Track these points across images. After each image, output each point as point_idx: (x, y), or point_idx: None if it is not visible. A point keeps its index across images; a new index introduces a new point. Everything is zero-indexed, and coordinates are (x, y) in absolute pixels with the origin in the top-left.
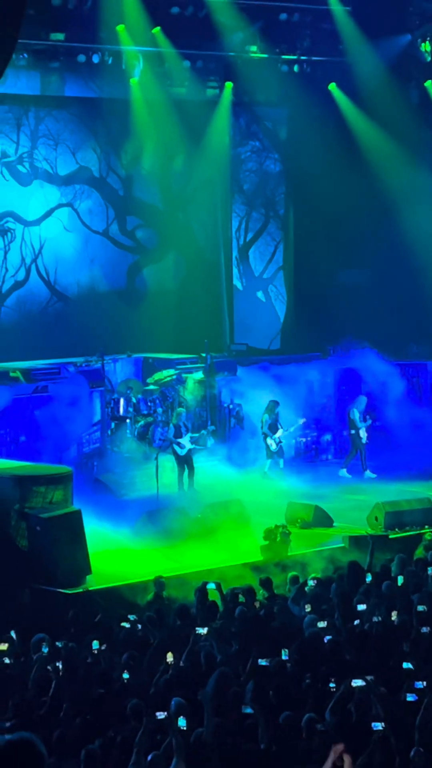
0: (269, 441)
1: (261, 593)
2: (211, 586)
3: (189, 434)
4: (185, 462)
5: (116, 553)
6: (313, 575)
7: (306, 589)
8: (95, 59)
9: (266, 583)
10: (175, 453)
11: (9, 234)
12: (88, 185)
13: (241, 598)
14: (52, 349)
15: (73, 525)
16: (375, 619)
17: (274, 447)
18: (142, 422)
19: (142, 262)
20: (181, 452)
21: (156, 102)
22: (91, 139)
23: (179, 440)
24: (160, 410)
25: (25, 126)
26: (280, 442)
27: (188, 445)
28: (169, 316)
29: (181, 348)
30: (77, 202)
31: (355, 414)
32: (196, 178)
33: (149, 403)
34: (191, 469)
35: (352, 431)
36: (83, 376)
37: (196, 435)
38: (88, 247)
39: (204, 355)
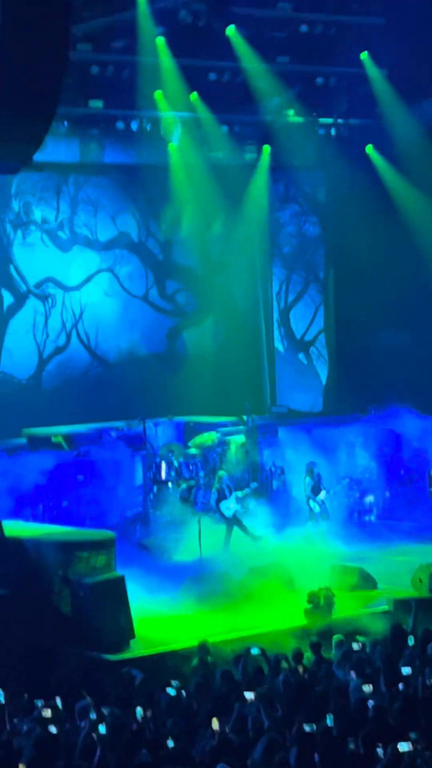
0: (312, 503)
1: (306, 657)
2: (254, 651)
3: (234, 495)
4: (234, 523)
5: (160, 618)
6: (358, 639)
7: (351, 653)
8: (134, 126)
9: (312, 647)
10: (223, 516)
11: (50, 299)
12: (127, 250)
13: (284, 664)
14: (94, 414)
15: (117, 590)
16: (420, 682)
17: (317, 509)
18: (184, 486)
19: (182, 325)
20: (228, 514)
21: (194, 167)
22: (130, 204)
23: (224, 502)
24: (202, 473)
25: (65, 192)
26: (323, 504)
27: (234, 506)
28: (209, 379)
29: (222, 411)
30: (117, 267)
31: None
32: (235, 242)
33: (191, 467)
34: (242, 528)
35: (431, 489)
36: (125, 440)
37: (242, 493)
38: (128, 311)
39: (245, 417)
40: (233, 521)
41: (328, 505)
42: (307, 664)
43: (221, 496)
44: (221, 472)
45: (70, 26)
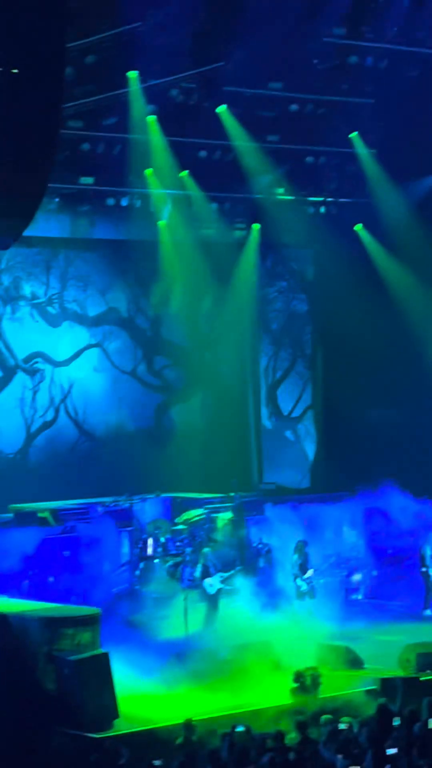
0: (299, 581)
1: (291, 737)
2: (240, 729)
3: (219, 574)
4: (213, 601)
5: (145, 696)
6: (344, 719)
7: (337, 732)
8: (124, 202)
9: (298, 727)
10: (205, 592)
11: (38, 374)
12: (117, 326)
13: (270, 743)
14: (81, 490)
15: (101, 668)
16: (406, 763)
17: (304, 587)
18: (170, 562)
19: (170, 401)
20: (211, 591)
21: (184, 243)
22: (120, 280)
23: (207, 579)
24: (188, 550)
25: (55, 268)
26: (311, 582)
27: (217, 585)
28: (197, 455)
29: (209, 487)
30: (106, 342)
31: (428, 551)
32: (224, 319)
33: (178, 543)
34: (215, 608)
35: (423, 569)
36: (112, 516)
37: (226, 574)
38: (117, 387)
39: (233, 494)
40: (216, 598)
41: (315, 583)
42: (293, 743)
43: (205, 573)
44: (206, 549)
45: (62, 104)
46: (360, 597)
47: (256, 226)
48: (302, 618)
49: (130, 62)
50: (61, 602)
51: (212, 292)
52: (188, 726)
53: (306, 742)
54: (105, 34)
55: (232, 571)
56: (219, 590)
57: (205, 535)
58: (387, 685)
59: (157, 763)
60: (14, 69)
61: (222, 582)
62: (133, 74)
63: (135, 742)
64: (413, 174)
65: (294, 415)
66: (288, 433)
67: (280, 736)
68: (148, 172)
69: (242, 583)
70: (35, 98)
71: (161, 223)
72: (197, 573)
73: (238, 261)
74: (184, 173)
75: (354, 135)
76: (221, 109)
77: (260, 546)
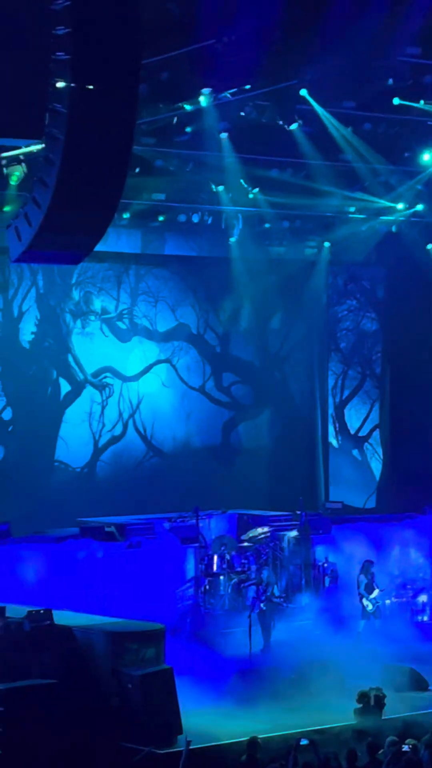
0: (365, 602)
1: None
2: (304, 742)
3: (276, 591)
4: (269, 620)
5: (209, 712)
6: (408, 741)
7: (401, 754)
8: (195, 219)
9: (366, 748)
10: (260, 610)
11: (107, 389)
12: (186, 342)
13: (333, 763)
14: (147, 505)
15: (165, 683)
16: None
17: (370, 608)
18: (235, 579)
19: (238, 418)
20: (256, 610)
21: (254, 261)
22: (190, 296)
23: (264, 598)
24: (254, 567)
25: (125, 283)
26: (377, 602)
27: (263, 605)
28: (263, 472)
29: (275, 505)
30: (175, 358)
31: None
32: (293, 336)
33: (243, 561)
34: (270, 627)
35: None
36: (177, 532)
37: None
38: (185, 402)
39: (299, 512)
40: (262, 618)
41: (381, 603)
42: (357, 764)
43: (264, 591)
44: (265, 573)
45: (135, 120)
46: (425, 618)
47: (326, 244)
48: (367, 638)
49: (204, 79)
50: (125, 617)
51: (282, 309)
52: (253, 743)
53: (370, 763)
54: (179, 51)
55: (282, 595)
56: (263, 611)
57: (270, 553)
58: None
59: None
60: (89, 85)
61: (268, 602)
62: (206, 91)
63: (199, 758)
64: None
65: (361, 434)
66: (355, 452)
67: (344, 756)
68: (220, 189)
69: (308, 603)
70: (109, 114)
71: (232, 239)
72: (257, 591)
73: (309, 279)
74: (256, 191)
75: (429, 152)
76: (294, 126)
77: (326, 565)
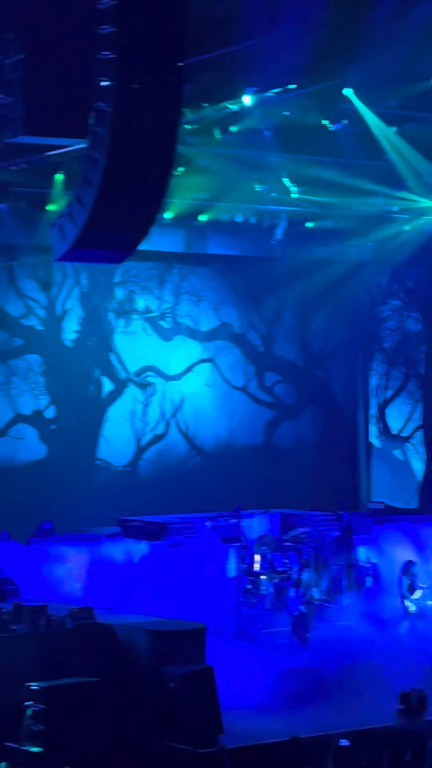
0: (407, 602)
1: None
2: (344, 743)
3: (311, 593)
4: (307, 621)
5: (250, 711)
6: None
7: None
8: (238, 218)
9: (407, 750)
10: (300, 612)
11: (150, 388)
12: (229, 341)
13: (374, 764)
14: (189, 504)
15: (206, 682)
16: None
17: (412, 608)
18: (277, 579)
19: (280, 418)
20: (294, 611)
21: (297, 260)
22: (233, 296)
23: (292, 600)
24: (296, 567)
25: (168, 282)
26: (419, 603)
27: (300, 607)
28: (306, 472)
29: (317, 505)
30: (218, 357)
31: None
32: (336, 336)
33: (285, 560)
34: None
35: None
36: (219, 531)
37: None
38: (228, 402)
39: (341, 512)
40: (298, 619)
41: (423, 604)
42: (398, 765)
43: (296, 595)
44: (305, 575)
45: (180, 120)
46: None
47: (370, 244)
48: (409, 638)
49: (248, 79)
50: (167, 616)
51: (325, 309)
52: (294, 743)
53: (413, 764)
54: (224, 50)
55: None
56: (300, 613)
57: (312, 553)
58: None
59: None
60: (134, 84)
61: (304, 603)
62: (250, 91)
63: (239, 757)
64: None
65: (403, 434)
66: (397, 453)
67: (386, 757)
68: (263, 188)
69: (349, 603)
70: (154, 112)
71: (275, 239)
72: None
73: (352, 278)
74: (299, 190)
75: None
76: (337, 126)
77: (367, 565)
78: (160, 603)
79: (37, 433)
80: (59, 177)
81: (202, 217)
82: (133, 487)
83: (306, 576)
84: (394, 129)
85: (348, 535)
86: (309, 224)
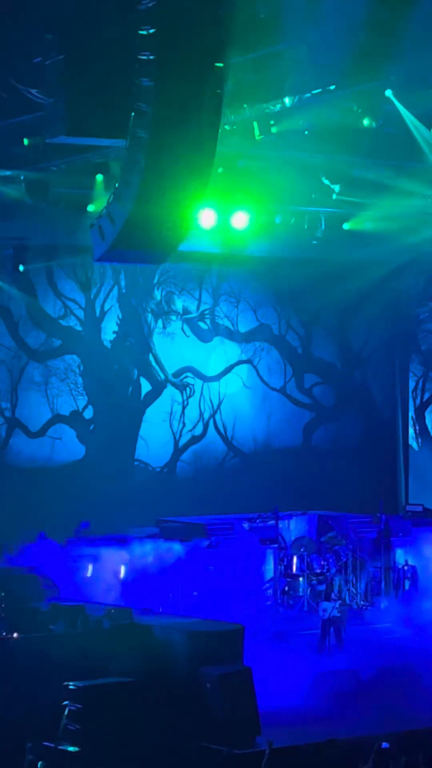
0: None
1: None
2: (385, 746)
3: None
4: (340, 624)
5: (287, 712)
6: None
7: None
8: (277, 219)
9: None
10: (331, 615)
11: (188, 389)
12: (267, 342)
13: (414, 766)
14: (227, 505)
15: (244, 683)
16: None
17: None
18: (314, 581)
19: (319, 419)
20: (323, 616)
21: (336, 261)
22: (271, 297)
23: (323, 603)
24: (333, 569)
25: (207, 283)
26: None
27: (330, 611)
28: (344, 474)
29: (356, 507)
30: (257, 358)
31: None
32: (375, 338)
33: (322, 562)
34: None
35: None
36: (257, 532)
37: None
38: (266, 403)
39: (379, 515)
40: (328, 624)
41: None
42: None
43: (326, 598)
44: (337, 578)
45: (219, 120)
46: None
47: (408, 246)
48: None
49: (288, 79)
50: (204, 617)
51: (363, 310)
52: (331, 744)
53: None
54: (265, 51)
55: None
56: (330, 617)
57: (350, 555)
58: None
59: None
60: (174, 84)
61: (334, 609)
62: (290, 91)
63: (277, 759)
64: None
65: None
66: None
67: (425, 759)
68: (303, 189)
69: (387, 605)
70: (193, 113)
71: (314, 240)
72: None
73: (390, 280)
74: (339, 191)
75: None
76: (375, 125)
77: (405, 568)
78: (198, 604)
79: (75, 434)
80: (99, 177)
81: (241, 218)
82: (170, 488)
83: (336, 581)
84: None
85: (386, 538)
86: (347, 225)
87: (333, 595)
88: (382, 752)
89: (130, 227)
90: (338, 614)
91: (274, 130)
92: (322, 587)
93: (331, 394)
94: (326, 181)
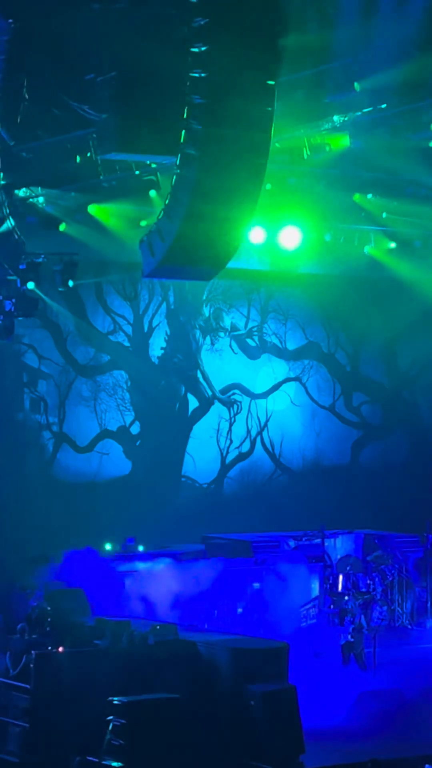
0: None
1: None
2: (428, 767)
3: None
4: (357, 649)
5: (331, 732)
6: None
7: None
8: (327, 237)
9: None
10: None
11: (236, 406)
12: (316, 360)
13: None
14: (274, 522)
15: (289, 701)
16: None
17: None
18: (360, 600)
19: (367, 438)
20: (340, 641)
21: (385, 279)
22: (320, 314)
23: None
24: (379, 588)
25: (255, 300)
26: None
27: (344, 636)
28: (391, 493)
29: (402, 526)
30: (305, 376)
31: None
32: (423, 356)
33: (368, 581)
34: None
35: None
36: (303, 550)
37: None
38: (314, 421)
39: (426, 534)
40: (346, 649)
41: None
42: None
43: (340, 623)
44: (350, 603)
45: (270, 138)
46: None
47: None
48: None
49: (337, 97)
50: (250, 634)
51: (412, 329)
52: (375, 764)
53: None
54: (315, 69)
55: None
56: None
57: (396, 575)
58: None
59: None
60: (225, 103)
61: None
62: (339, 110)
63: None
64: None
65: None
66: None
67: None
68: (352, 207)
69: None
70: (244, 131)
71: (363, 258)
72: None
73: None
74: (389, 209)
75: None
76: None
77: None
78: (243, 621)
79: (122, 449)
80: (152, 194)
81: (291, 235)
82: (217, 505)
83: (350, 606)
84: None
85: None
86: (397, 242)
87: (347, 620)
88: None
89: (179, 244)
90: (351, 639)
91: (324, 147)
92: (337, 610)
93: (379, 412)
94: (375, 200)
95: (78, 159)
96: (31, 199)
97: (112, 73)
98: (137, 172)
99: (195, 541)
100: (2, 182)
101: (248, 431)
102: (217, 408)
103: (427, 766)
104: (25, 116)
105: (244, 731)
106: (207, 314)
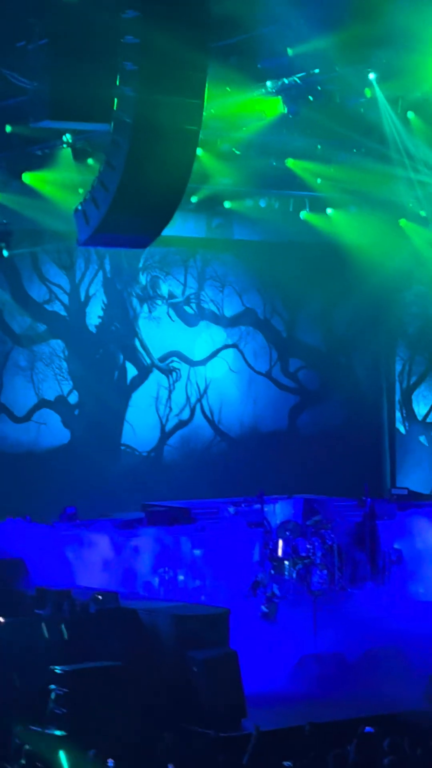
0: None
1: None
2: (368, 730)
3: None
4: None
5: (272, 696)
6: None
7: None
8: (262, 203)
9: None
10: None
11: (174, 373)
12: (253, 327)
13: (399, 750)
14: (213, 489)
15: (230, 667)
16: None
17: None
18: (300, 564)
19: (304, 403)
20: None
21: (320, 245)
22: (256, 281)
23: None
24: (319, 553)
25: (192, 268)
26: None
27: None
28: (329, 458)
29: (341, 491)
30: (242, 343)
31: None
32: (360, 322)
33: (308, 546)
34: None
35: None
36: (243, 516)
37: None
38: (252, 387)
39: (364, 498)
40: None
41: None
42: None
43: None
44: (260, 574)
45: (203, 104)
46: None
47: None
48: None
49: (270, 63)
50: (190, 601)
51: (348, 294)
52: (315, 728)
53: None
54: (247, 35)
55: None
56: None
57: (335, 538)
58: None
59: (287, 764)
60: (157, 68)
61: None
62: (272, 75)
63: (261, 742)
64: None
65: (429, 420)
66: (422, 438)
67: (412, 741)
68: (287, 172)
69: (373, 589)
70: (177, 97)
71: (299, 224)
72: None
73: (376, 264)
74: (324, 174)
75: None
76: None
77: (391, 551)
78: (184, 588)
79: (60, 419)
80: (90, 161)
81: (226, 203)
82: (157, 473)
83: (260, 577)
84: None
85: (371, 521)
86: (330, 209)
87: (259, 591)
88: (365, 736)
89: (114, 211)
90: (266, 610)
91: (257, 114)
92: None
93: (316, 378)
94: (311, 165)
95: (9, 128)
96: None
97: (44, 40)
98: (71, 140)
99: (135, 510)
100: None
101: (188, 399)
102: (156, 376)
103: (366, 728)
104: None
105: (186, 697)
106: (144, 282)
